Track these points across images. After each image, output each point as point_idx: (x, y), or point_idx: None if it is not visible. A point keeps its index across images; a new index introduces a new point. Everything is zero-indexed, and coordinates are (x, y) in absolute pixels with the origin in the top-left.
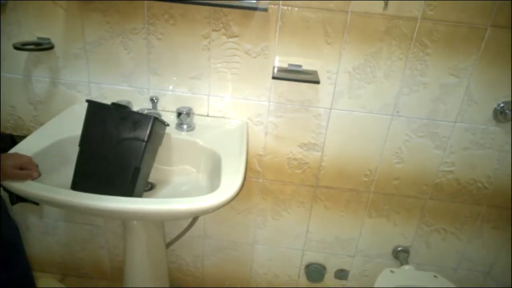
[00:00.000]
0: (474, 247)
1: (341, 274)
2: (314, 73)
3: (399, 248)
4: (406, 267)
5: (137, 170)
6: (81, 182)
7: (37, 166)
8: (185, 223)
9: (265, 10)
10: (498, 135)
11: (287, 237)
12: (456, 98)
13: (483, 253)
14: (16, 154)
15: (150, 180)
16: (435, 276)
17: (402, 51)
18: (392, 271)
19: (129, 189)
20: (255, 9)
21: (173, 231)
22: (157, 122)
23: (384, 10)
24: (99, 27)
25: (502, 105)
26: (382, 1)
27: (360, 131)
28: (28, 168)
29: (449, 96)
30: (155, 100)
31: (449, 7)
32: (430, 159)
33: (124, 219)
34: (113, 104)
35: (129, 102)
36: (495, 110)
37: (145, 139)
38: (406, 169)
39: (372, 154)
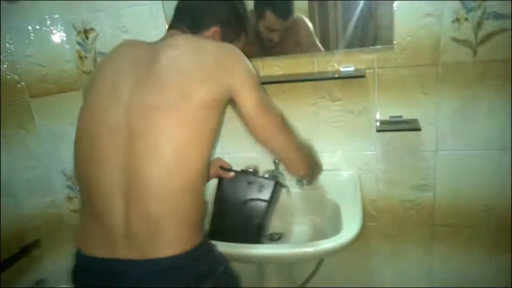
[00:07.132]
0: None
1: None
2: (415, 121)
3: None
4: None
5: (260, 226)
6: (215, 233)
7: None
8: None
9: (363, 76)
10: None
11: (409, 278)
12: None
13: None
14: (218, 158)
15: (278, 230)
16: None
17: (500, 90)
18: None
19: (254, 240)
20: (354, 77)
21: (302, 275)
22: (279, 185)
23: (473, 57)
24: None
25: None
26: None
27: (468, 168)
28: (226, 167)
29: None
30: (277, 162)
31: None
32: None
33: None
34: (242, 170)
35: (256, 166)
36: None
37: (268, 199)
38: None
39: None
